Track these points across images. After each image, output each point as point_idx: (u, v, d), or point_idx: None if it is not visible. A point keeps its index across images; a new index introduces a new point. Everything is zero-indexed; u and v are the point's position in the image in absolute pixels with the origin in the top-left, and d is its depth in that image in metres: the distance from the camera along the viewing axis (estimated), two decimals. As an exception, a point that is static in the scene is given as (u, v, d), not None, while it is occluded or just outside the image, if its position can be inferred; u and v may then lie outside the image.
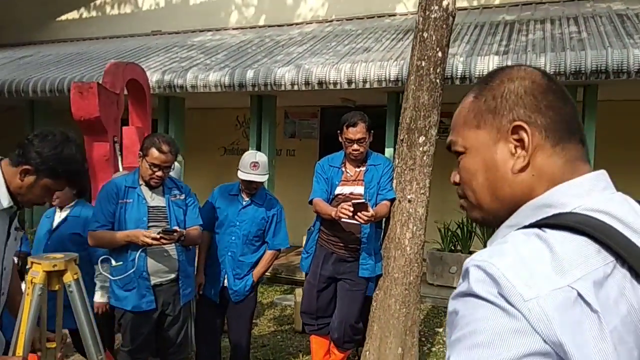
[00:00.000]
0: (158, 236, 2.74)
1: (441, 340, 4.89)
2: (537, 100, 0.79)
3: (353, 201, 3.05)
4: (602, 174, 0.79)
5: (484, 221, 0.86)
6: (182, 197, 3.08)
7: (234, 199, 3.42)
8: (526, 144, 0.78)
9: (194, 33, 9.35)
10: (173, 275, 3.02)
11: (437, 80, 3.34)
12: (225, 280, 3.36)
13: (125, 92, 4.84)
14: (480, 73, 5.74)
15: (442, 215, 6.43)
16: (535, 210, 0.76)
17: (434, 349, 4.63)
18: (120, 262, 2.87)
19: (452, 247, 6.52)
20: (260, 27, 9.16)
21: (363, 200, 3.09)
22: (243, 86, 6.73)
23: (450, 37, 3.40)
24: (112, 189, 2.93)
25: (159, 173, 2.89)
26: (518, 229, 0.75)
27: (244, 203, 3.41)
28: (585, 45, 5.65)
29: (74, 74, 7.56)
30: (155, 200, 2.99)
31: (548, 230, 0.70)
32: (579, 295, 0.64)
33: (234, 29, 9.32)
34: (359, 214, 3.01)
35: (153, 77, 6.91)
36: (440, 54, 3.32)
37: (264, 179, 3.33)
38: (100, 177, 4.47)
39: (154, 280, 2.95)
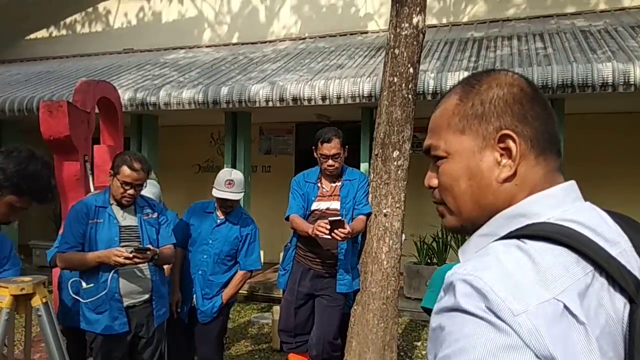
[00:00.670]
0: (131, 255, 2.68)
1: (420, 355, 4.89)
2: (524, 110, 0.78)
3: (330, 219, 3.05)
4: (573, 185, 0.79)
5: (462, 228, 0.84)
6: (155, 215, 3.03)
7: (209, 216, 3.39)
8: (513, 154, 0.77)
9: (167, 51, 9.31)
10: (146, 296, 2.95)
11: (409, 96, 3.39)
12: (194, 300, 3.31)
13: (97, 110, 4.78)
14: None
15: (417, 229, 6.47)
16: (508, 220, 0.76)
17: (412, 363, 4.62)
18: (92, 284, 2.79)
19: (429, 260, 6.56)
20: (233, 44, 9.17)
21: (340, 218, 3.10)
22: (217, 103, 6.71)
23: (421, 54, 3.46)
24: (81, 209, 2.86)
25: (131, 191, 2.84)
26: (496, 239, 0.74)
27: (218, 221, 3.38)
28: (551, 60, 5.82)
29: (44, 92, 7.43)
30: (127, 219, 2.93)
31: (527, 241, 0.69)
32: (565, 307, 0.63)
33: (207, 46, 9.31)
34: (335, 231, 3.02)
35: (125, 95, 6.83)
36: (411, 70, 3.37)
37: (239, 197, 3.30)
38: (71, 196, 4.37)
39: (126, 301, 2.88)
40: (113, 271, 2.77)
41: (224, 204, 3.32)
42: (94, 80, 5.09)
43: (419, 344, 5.23)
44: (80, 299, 2.82)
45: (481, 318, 0.62)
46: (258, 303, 6.67)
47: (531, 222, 0.73)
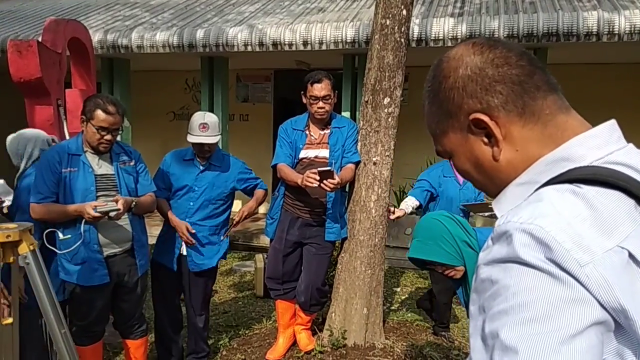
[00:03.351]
0: (98, 214, 2.57)
1: (399, 300, 5.02)
2: (478, 84, 0.75)
3: (319, 169, 2.99)
4: (614, 123, 0.74)
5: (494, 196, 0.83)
6: (132, 163, 2.87)
7: (189, 164, 3.26)
8: (493, 130, 0.74)
9: (137, -10, 8.81)
10: (127, 246, 2.85)
11: (402, 40, 3.28)
12: (183, 249, 3.24)
13: (67, 52, 4.51)
14: (436, 35, 5.74)
15: (397, 179, 6.50)
16: (549, 165, 0.71)
17: (393, 308, 4.73)
18: (69, 235, 2.65)
19: (407, 209, 6.63)
20: (208, -15, 8.74)
21: (329, 168, 3.03)
22: (193, 47, 6.44)
23: (414, -5, 3.33)
24: (53, 157, 2.67)
25: (108, 137, 2.67)
26: (541, 185, 0.69)
27: (201, 167, 3.26)
28: (537, 8, 5.73)
29: (7, 32, 6.99)
30: (103, 167, 2.77)
31: (583, 186, 0.65)
32: (630, 255, 0.59)
33: (179, -14, 8.85)
34: (324, 181, 2.96)
35: (95, 37, 6.48)
36: (404, 12, 3.25)
37: (215, 140, 3.17)
38: (44, 143, 4.19)
39: (106, 251, 2.77)
40: (83, 221, 2.65)
41: (201, 149, 3.18)
42: (64, 19, 4.78)
43: (398, 289, 5.36)
44: (57, 250, 2.69)
45: (542, 270, 0.58)
46: (239, 252, 6.68)
47: (575, 165, 0.69)
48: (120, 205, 2.64)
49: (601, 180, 0.64)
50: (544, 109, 0.74)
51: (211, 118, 3.19)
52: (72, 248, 2.66)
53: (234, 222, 3.32)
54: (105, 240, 2.76)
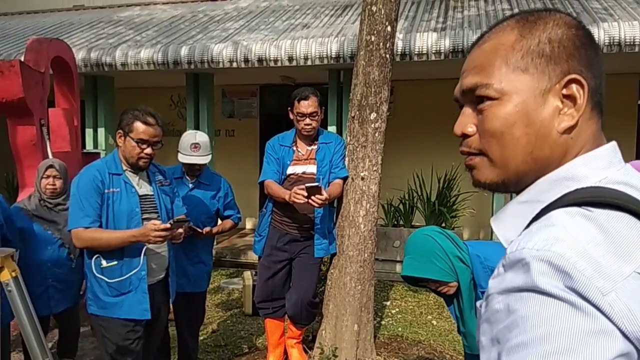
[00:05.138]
0: (169, 225, 2.35)
1: (389, 314, 4.99)
2: (589, 55, 0.70)
3: (307, 185, 2.98)
4: (615, 145, 0.73)
5: (501, 185, 0.74)
6: (167, 182, 2.72)
7: (179, 182, 3.24)
8: (579, 102, 0.69)
9: (120, 8, 8.80)
10: (162, 275, 2.65)
11: (387, 56, 3.30)
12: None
13: (50, 71, 4.47)
14: (420, 50, 5.79)
15: (384, 192, 6.51)
16: (553, 184, 0.69)
17: (383, 322, 4.70)
18: (114, 262, 2.42)
19: (395, 222, 6.63)
20: (192, 1, 8.76)
21: (317, 184, 3.02)
22: (178, 64, 6.42)
23: (398, 11, 3.36)
24: (95, 177, 2.43)
25: (148, 150, 2.46)
26: (547, 206, 0.67)
27: (191, 185, 3.26)
28: (518, 21, 5.82)
29: (-12, 52, 6.91)
30: (143, 188, 2.56)
31: (593, 209, 0.62)
32: None
33: (163, 3, 8.86)
34: (312, 197, 2.95)
35: (78, 55, 6.43)
36: (389, 28, 3.27)
37: (207, 160, 3.17)
38: (27, 163, 4.13)
39: (149, 281, 2.54)
40: (145, 247, 2.45)
41: (192, 168, 3.19)
42: (47, 38, 4.75)
43: (387, 303, 5.33)
44: (107, 279, 2.42)
45: (563, 299, 0.55)
46: (226, 268, 6.62)
47: (581, 186, 0.67)
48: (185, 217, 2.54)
49: (611, 203, 0.62)
50: (599, 118, 0.72)
51: (202, 138, 3.18)
52: (123, 279, 2.42)
53: (209, 230, 3.20)
54: (149, 268, 2.54)
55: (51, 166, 3.05)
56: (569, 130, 0.70)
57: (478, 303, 0.70)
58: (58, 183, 3.04)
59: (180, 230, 2.50)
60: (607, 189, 0.65)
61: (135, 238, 2.37)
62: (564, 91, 0.69)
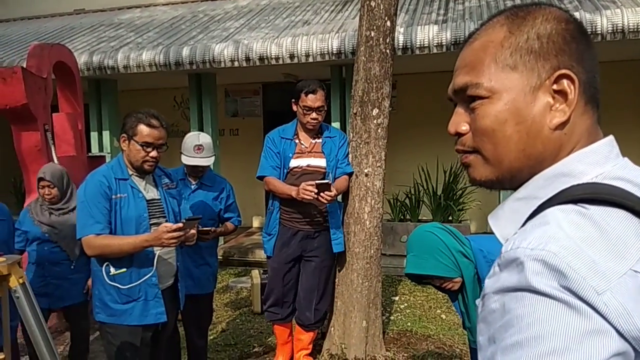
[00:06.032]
0: (181, 225, 2.29)
1: (398, 309, 4.98)
2: (580, 49, 0.70)
3: (317, 182, 2.94)
4: (612, 139, 0.72)
5: (496, 182, 0.74)
6: (174, 185, 2.68)
7: (181, 183, 3.23)
8: (570, 97, 0.68)
9: (121, 10, 8.82)
10: (171, 281, 2.60)
11: (387, 51, 3.29)
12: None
13: (53, 76, 4.49)
14: (421, 43, 5.77)
15: (391, 187, 6.50)
16: (549, 181, 0.69)
17: (392, 318, 4.70)
18: (124, 269, 2.37)
19: (402, 217, 6.63)
20: (192, 1, 8.77)
21: (327, 181, 2.97)
22: (180, 64, 6.43)
23: (397, 6, 3.34)
24: (102, 182, 2.38)
25: (153, 153, 2.40)
26: (543, 203, 0.66)
27: (193, 187, 3.25)
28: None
29: (-9, 58, 6.95)
30: (150, 192, 2.52)
31: (589, 206, 0.62)
32: None
33: (163, 4, 8.88)
34: (322, 194, 2.91)
35: (80, 59, 6.46)
36: (388, 23, 3.26)
37: (209, 162, 3.14)
38: (32, 169, 4.15)
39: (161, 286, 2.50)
40: (157, 255, 2.42)
41: (195, 169, 3.18)
42: (48, 43, 4.77)
43: (396, 298, 5.33)
44: (119, 285, 2.37)
45: (557, 299, 0.55)
46: (234, 267, 6.63)
47: (577, 182, 0.66)
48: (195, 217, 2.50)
49: (607, 200, 0.62)
50: (595, 112, 0.72)
51: (206, 139, 3.17)
52: (134, 285, 2.38)
53: (213, 230, 3.19)
54: (159, 273, 2.48)
55: (41, 179, 3.16)
56: (562, 125, 0.69)
57: (476, 301, 0.70)
58: (53, 192, 3.18)
59: (193, 230, 2.46)
60: (603, 185, 0.64)
61: (148, 243, 2.32)
62: (555, 87, 0.69)
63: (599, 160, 0.69)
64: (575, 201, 0.63)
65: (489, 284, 0.62)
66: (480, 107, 0.72)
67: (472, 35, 0.77)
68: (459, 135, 0.76)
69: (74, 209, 3.06)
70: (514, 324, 0.56)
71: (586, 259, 0.56)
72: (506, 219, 0.72)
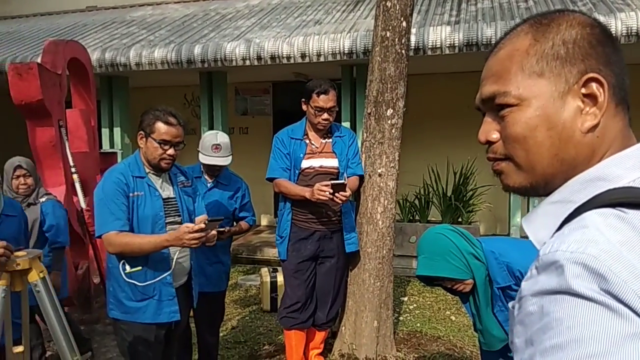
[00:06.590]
0: (203, 226, 2.28)
1: (407, 310, 4.98)
2: (607, 52, 0.71)
3: (332, 182, 2.91)
4: None
5: (530, 188, 0.74)
6: (189, 183, 2.67)
7: (197, 181, 3.24)
8: (599, 100, 0.69)
9: (133, 8, 8.86)
10: (185, 278, 2.61)
11: (403, 51, 3.29)
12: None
13: (67, 72, 4.52)
14: (434, 44, 5.76)
15: (400, 187, 6.48)
16: (584, 185, 0.69)
17: (401, 318, 4.70)
18: (139, 267, 2.37)
19: (411, 218, 6.62)
20: (203, 0, 8.79)
21: (342, 181, 2.94)
22: (191, 62, 6.45)
23: (413, 6, 3.34)
24: (119, 180, 2.37)
25: (171, 151, 2.39)
26: (579, 206, 0.66)
27: (209, 185, 3.26)
28: (533, 13, 5.75)
29: (5, 54, 7.00)
30: (166, 190, 2.51)
31: (628, 210, 0.62)
32: None
33: (175, 2, 8.91)
34: (336, 194, 2.88)
35: (93, 56, 6.49)
36: (404, 23, 3.26)
37: (227, 161, 3.13)
38: (46, 164, 4.18)
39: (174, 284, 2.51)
40: (178, 252, 2.42)
41: (212, 168, 3.20)
42: (63, 39, 4.79)
43: (405, 299, 5.33)
44: (137, 283, 2.37)
45: (597, 302, 0.55)
46: (243, 265, 6.65)
47: (612, 186, 0.66)
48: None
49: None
50: (626, 114, 0.72)
51: (224, 139, 3.17)
52: (149, 283, 2.38)
53: (228, 229, 3.20)
54: (174, 271, 2.48)
55: (19, 166, 3.16)
56: (593, 129, 0.70)
57: (510, 304, 0.70)
58: (29, 181, 3.19)
59: (214, 231, 2.46)
60: (639, 189, 0.64)
61: (169, 243, 2.31)
62: (584, 90, 0.70)
63: (636, 164, 0.69)
64: (613, 205, 0.63)
65: (526, 286, 0.62)
66: (509, 115, 0.73)
67: (496, 45, 0.78)
68: (490, 143, 0.77)
69: (36, 203, 3.18)
70: (553, 327, 0.56)
71: (626, 263, 0.56)
72: (540, 222, 0.72)
